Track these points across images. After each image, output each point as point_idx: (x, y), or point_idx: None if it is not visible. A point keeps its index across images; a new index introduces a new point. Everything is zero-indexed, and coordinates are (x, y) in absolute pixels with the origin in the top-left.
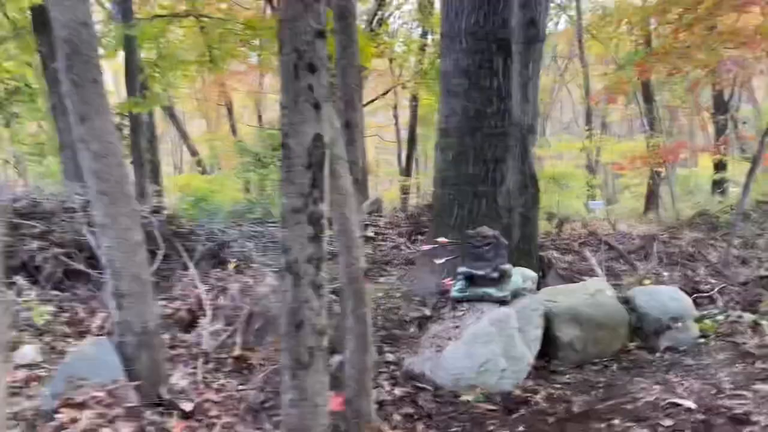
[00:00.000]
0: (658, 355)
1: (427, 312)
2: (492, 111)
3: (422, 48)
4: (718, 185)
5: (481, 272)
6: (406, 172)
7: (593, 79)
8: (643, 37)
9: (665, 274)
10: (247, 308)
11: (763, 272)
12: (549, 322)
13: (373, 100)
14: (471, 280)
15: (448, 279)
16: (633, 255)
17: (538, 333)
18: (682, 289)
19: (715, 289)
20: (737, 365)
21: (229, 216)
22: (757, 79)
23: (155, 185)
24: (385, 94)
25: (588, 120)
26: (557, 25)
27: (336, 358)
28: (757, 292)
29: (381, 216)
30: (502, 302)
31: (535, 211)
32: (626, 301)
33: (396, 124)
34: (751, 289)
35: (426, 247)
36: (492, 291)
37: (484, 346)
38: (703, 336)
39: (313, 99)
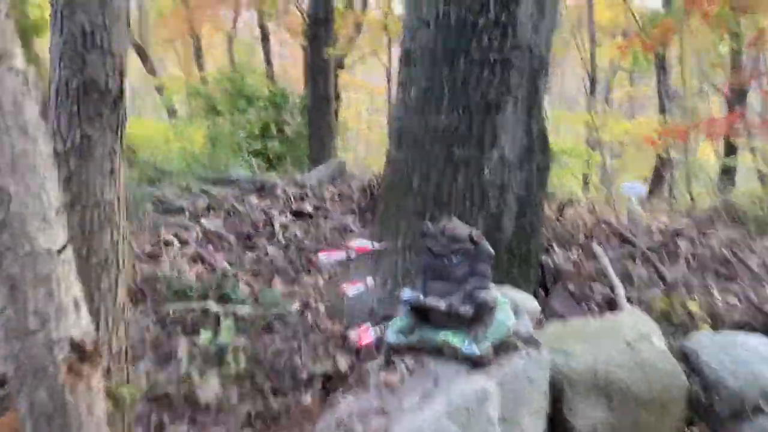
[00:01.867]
0: None
1: (341, 365)
2: (486, 22)
3: None
4: (728, 172)
5: (441, 303)
6: None
7: (599, 52)
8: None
9: (715, 293)
10: None
11: None
12: (555, 392)
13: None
14: (423, 314)
15: (365, 326)
16: (654, 254)
17: (540, 424)
18: (748, 324)
19: None
20: None
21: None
22: None
23: None
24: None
25: (592, 91)
26: None
27: None
28: None
29: (333, 185)
30: (477, 363)
31: (542, 193)
32: (684, 357)
33: (388, 83)
34: None
35: (325, 254)
36: (458, 340)
37: None
38: None
39: None
